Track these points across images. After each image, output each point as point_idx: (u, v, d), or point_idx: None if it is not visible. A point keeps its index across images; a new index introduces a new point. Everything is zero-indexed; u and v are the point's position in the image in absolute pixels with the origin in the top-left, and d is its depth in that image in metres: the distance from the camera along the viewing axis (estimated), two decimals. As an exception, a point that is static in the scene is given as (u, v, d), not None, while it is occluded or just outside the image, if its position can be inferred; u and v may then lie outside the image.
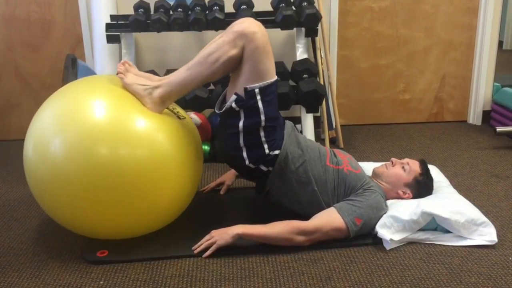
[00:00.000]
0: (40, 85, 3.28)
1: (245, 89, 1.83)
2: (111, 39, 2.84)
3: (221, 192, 2.37)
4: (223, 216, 2.15)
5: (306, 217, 1.91)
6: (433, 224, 1.93)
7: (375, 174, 2.14)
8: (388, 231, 1.88)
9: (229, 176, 2.40)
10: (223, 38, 1.82)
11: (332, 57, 3.30)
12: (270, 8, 2.97)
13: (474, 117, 3.53)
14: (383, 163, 2.19)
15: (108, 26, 2.84)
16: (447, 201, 1.96)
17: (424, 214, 1.88)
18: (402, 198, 2.06)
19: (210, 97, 2.72)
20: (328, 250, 1.86)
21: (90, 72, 2.60)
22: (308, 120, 2.81)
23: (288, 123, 2.03)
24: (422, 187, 2.07)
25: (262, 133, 1.88)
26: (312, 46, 3.14)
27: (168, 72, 2.76)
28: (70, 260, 1.84)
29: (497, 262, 1.78)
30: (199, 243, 1.86)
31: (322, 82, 3.05)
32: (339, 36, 3.32)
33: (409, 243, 1.90)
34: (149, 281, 1.70)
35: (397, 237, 1.87)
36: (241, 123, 1.86)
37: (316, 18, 2.76)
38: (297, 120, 3.14)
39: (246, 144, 1.89)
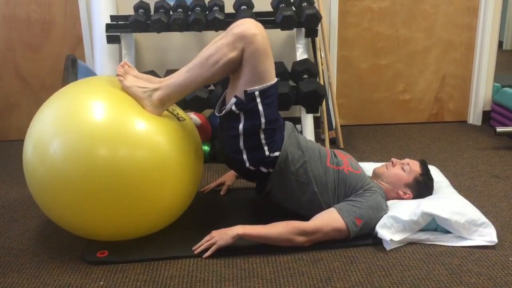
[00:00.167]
0: (40, 85, 3.28)
1: (245, 91, 1.83)
2: (111, 39, 2.84)
3: (221, 193, 2.37)
4: (223, 217, 2.15)
5: (306, 217, 1.91)
6: (433, 224, 1.93)
7: (375, 174, 2.14)
8: (388, 232, 1.88)
9: (229, 177, 2.41)
10: (222, 40, 1.81)
11: (332, 58, 3.30)
12: (270, 9, 2.97)
13: (474, 117, 3.53)
14: (383, 163, 2.19)
15: (108, 27, 2.84)
16: (447, 202, 1.96)
17: (424, 215, 1.87)
18: (402, 199, 2.06)
19: (210, 98, 2.73)
20: (328, 251, 1.86)
21: (90, 72, 2.60)
22: (308, 121, 2.81)
23: (288, 124, 2.03)
24: (422, 187, 2.07)
25: (262, 135, 1.87)
26: (312, 46, 3.14)
27: (168, 72, 2.76)
28: (70, 260, 1.84)
29: (497, 262, 1.78)
30: (199, 244, 1.86)
31: (322, 83, 3.05)
32: (339, 36, 3.32)
33: (409, 243, 1.90)
34: (149, 281, 1.70)
35: (397, 237, 1.87)
36: (241, 126, 1.86)
37: (316, 18, 2.76)
38: (297, 121, 3.13)
39: (246, 147, 1.88)
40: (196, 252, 1.84)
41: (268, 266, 1.78)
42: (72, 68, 2.47)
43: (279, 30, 2.83)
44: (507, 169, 2.66)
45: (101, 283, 1.70)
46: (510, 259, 1.80)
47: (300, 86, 2.71)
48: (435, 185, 2.14)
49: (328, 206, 1.94)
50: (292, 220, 1.88)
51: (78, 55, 3.13)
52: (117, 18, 2.91)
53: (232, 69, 1.84)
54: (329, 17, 3.23)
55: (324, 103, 3.08)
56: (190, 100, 2.69)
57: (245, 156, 1.89)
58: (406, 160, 2.12)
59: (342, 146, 3.10)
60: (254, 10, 2.86)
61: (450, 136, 3.26)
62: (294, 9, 2.86)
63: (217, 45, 1.81)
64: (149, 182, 1.75)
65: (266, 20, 2.83)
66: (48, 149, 1.71)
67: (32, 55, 3.23)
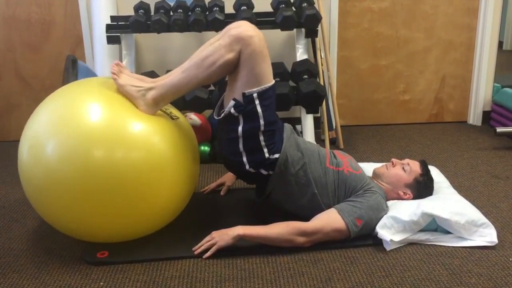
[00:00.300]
0: (40, 85, 3.28)
1: (243, 94, 1.83)
2: (111, 40, 2.84)
3: (222, 193, 2.37)
4: (223, 217, 2.15)
5: (306, 218, 1.91)
6: (434, 225, 1.93)
7: (376, 174, 2.14)
8: (388, 232, 1.88)
9: (229, 177, 2.41)
10: (219, 41, 1.81)
11: (332, 58, 3.30)
12: (270, 9, 2.97)
13: (474, 117, 3.54)
14: (384, 163, 2.19)
15: (109, 27, 2.84)
16: (448, 202, 1.96)
17: (424, 215, 1.87)
18: (402, 199, 2.06)
19: (210, 98, 2.72)
20: (328, 251, 1.86)
21: (90, 73, 2.60)
22: (308, 121, 2.81)
23: (287, 126, 2.03)
24: (422, 187, 2.07)
25: (261, 137, 1.87)
26: (312, 46, 3.14)
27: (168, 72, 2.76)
28: (70, 261, 1.84)
29: (497, 263, 1.78)
30: (200, 244, 1.86)
31: (322, 83, 3.05)
32: (339, 36, 3.32)
33: (409, 244, 1.90)
34: (149, 282, 1.70)
35: (397, 238, 1.87)
36: (240, 128, 1.86)
37: (316, 19, 2.76)
38: (297, 121, 3.14)
39: (245, 149, 1.88)
40: (196, 252, 1.84)
41: (268, 267, 1.78)
42: (72, 69, 2.47)
43: (279, 30, 2.83)
44: (507, 170, 2.66)
45: (101, 283, 1.70)
46: (511, 259, 1.80)
47: (300, 87, 2.71)
48: (435, 185, 2.14)
49: (328, 207, 1.94)
50: (292, 220, 1.88)
51: (78, 55, 3.13)
52: (117, 19, 2.91)
53: (229, 70, 1.84)
54: (329, 17, 3.23)
55: (324, 103, 3.08)
56: (190, 100, 2.69)
57: (245, 159, 1.89)
58: (406, 161, 2.12)
59: (342, 146, 3.10)
60: (254, 10, 2.86)
61: (450, 137, 3.26)
62: (294, 9, 2.86)
63: (214, 46, 1.81)
64: (145, 182, 1.74)
65: (266, 20, 2.83)
66: (43, 150, 1.70)
67: (32, 56, 3.23)
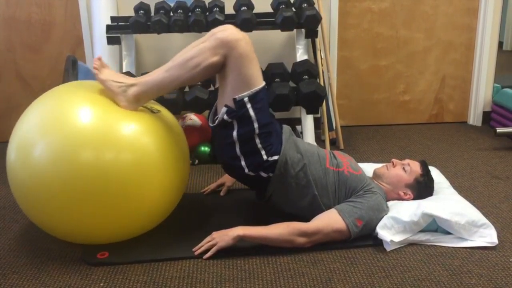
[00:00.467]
0: (41, 86, 3.28)
1: (234, 99, 1.82)
2: (111, 40, 2.84)
3: (222, 194, 2.37)
4: (223, 218, 2.15)
5: (306, 219, 1.91)
6: (434, 225, 1.93)
7: (376, 175, 2.14)
8: (388, 232, 1.88)
9: (229, 178, 2.40)
10: (204, 44, 1.81)
11: (332, 58, 3.30)
12: (270, 10, 2.97)
13: (474, 118, 3.54)
14: (384, 164, 2.19)
15: (109, 28, 2.84)
16: (448, 203, 1.96)
17: (424, 216, 1.87)
18: (402, 199, 2.06)
19: (210, 98, 2.72)
20: (329, 252, 1.86)
21: (90, 73, 2.60)
22: (308, 121, 2.81)
23: (286, 128, 2.03)
24: (422, 188, 2.07)
25: (257, 140, 1.87)
26: (312, 47, 3.14)
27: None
28: (70, 261, 1.84)
29: (497, 263, 1.78)
30: (200, 245, 1.86)
31: (322, 83, 3.05)
32: (339, 37, 3.32)
33: (410, 244, 1.90)
34: (150, 282, 1.70)
35: (398, 238, 1.87)
36: (235, 133, 1.86)
37: (316, 19, 2.76)
38: (297, 121, 3.14)
39: (243, 153, 1.88)
40: (196, 253, 1.84)
41: (268, 267, 1.78)
42: (73, 69, 2.47)
43: (279, 31, 2.83)
44: (507, 170, 2.66)
45: (101, 284, 1.70)
46: (511, 260, 1.80)
47: (300, 87, 2.71)
48: (436, 186, 2.14)
49: (329, 208, 1.93)
50: (292, 221, 1.88)
51: (78, 56, 3.13)
52: (118, 19, 2.91)
53: (213, 73, 1.85)
54: (329, 18, 3.24)
55: (324, 104, 3.08)
56: (190, 100, 2.69)
57: (243, 162, 1.89)
58: (407, 161, 2.12)
59: (342, 146, 3.10)
60: (254, 11, 2.86)
61: (450, 137, 3.26)
62: (294, 10, 2.86)
63: (199, 48, 1.81)
64: (134, 184, 1.73)
65: (266, 21, 2.83)
66: (31, 152, 1.70)
67: (33, 56, 3.23)
